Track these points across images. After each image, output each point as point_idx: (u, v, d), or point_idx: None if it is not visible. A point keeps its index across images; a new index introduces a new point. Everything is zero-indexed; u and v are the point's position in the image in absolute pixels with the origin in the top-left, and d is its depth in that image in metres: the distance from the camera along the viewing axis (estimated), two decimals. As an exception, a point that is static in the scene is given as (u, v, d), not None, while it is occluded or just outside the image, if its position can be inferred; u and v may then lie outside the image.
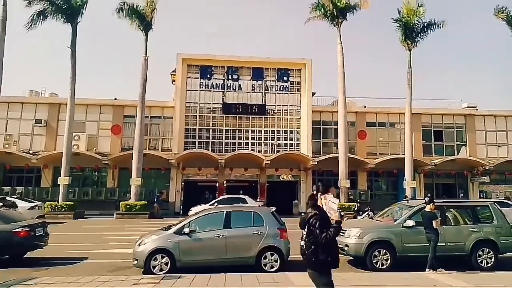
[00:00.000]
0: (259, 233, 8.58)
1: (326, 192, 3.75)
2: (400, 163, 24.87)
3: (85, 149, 25.53)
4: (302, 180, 27.56)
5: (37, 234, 9.85)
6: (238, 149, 26.81)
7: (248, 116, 28.09)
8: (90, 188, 26.45)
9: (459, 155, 28.81)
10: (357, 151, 28.06)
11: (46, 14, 22.32)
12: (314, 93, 29.56)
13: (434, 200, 8.99)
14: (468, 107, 30.79)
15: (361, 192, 27.57)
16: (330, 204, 3.73)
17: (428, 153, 28.79)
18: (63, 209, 21.70)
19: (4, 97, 23.10)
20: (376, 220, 10.48)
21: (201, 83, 28.03)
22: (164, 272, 8.12)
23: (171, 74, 28.61)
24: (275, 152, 26.63)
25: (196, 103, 27.98)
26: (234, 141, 27.75)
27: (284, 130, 28.34)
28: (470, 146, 29.20)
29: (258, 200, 24.18)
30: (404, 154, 24.67)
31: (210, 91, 28.08)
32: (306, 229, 3.68)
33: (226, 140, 27.72)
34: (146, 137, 26.70)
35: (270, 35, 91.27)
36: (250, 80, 28.35)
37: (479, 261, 9.12)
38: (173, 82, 28.28)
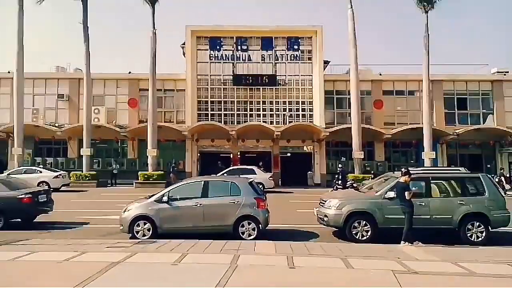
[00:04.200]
0: (236, 202, 8.87)
1: None
2: (420, 133, 24.03)
3: (105, 122, 26.68)
4: (316, 152, 27.39)
5: (40, 201, 10.79)
6: (250, 121, 26.90)
7: (259, 87, 27.81)
8: (113, 159, 27.78)
9: (485, 124, 27.35)
10: (373, 121, 27.34)
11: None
12: (328, 61, 28.71)
13: (411, 171, 8.81)
14: (498, 72, 28.74)
15: (379, 164, 27.07)
16: None
17: (451, 122, 27.56)
18: (87, 178, 23.31)
19: (29, 73, 24.60)
20: (360, 191, 10.42)
21: (211, 55, 27.88)
22: (147, 237, 8.70)
23: (182, 47, 28.69)
24: (287, 123, 26.50)
25: (207, 75, 27.97)
26: (246, 112, 27.78)
27: (296, 101, 27.88)
28: (497, 114, 27.57)
29: (272, 171, 24.55)
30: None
31: (220, 62, 27.89)
32: None
33: (238, 112, 27.80)
34: (161, 109, 27.45)
35: (280, 3, 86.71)
36: (259, 50, 27.89)
37: (468, 235, 8.84)
38: (184, 55, 28.40)
